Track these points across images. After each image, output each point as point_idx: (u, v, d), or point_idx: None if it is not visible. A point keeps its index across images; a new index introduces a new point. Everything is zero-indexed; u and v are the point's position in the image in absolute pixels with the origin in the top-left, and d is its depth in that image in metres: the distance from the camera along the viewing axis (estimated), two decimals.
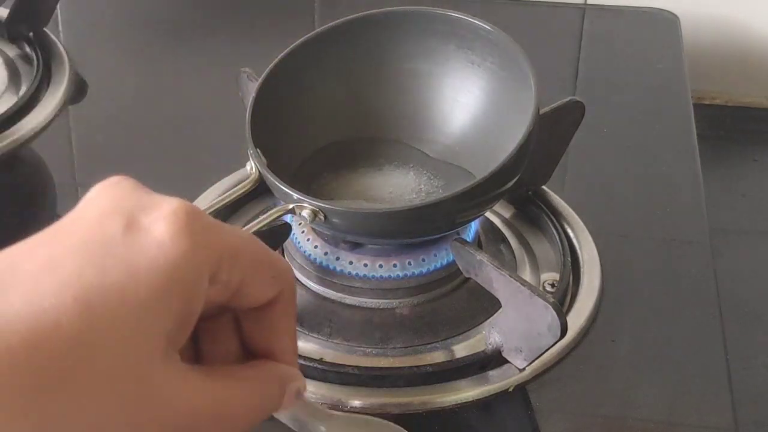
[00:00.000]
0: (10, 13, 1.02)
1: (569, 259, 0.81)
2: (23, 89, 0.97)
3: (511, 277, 0.69)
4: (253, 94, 0.77)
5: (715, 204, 0.91)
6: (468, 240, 0.76)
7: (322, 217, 0.71)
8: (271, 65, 0.79)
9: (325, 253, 0.76)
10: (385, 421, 0.56)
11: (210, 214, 0.77)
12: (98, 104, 1.01)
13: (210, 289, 0.46)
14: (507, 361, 0.72)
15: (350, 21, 0.81)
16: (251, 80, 0.83)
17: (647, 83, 1.06)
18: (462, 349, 0.75)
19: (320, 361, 0.73)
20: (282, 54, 0.79)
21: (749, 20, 1.17)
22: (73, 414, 0.42)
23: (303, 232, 0.78)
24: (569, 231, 0.84)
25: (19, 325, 0.41)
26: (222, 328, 0.50)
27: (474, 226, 0.79)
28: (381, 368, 0.72)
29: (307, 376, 0.70)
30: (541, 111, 0.75)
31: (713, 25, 1.17)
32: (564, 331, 0.67)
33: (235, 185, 0.78)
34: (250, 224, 0.72)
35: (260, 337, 0.51)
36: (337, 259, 0.76)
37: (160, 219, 0.45)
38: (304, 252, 0.77)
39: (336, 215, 0.71)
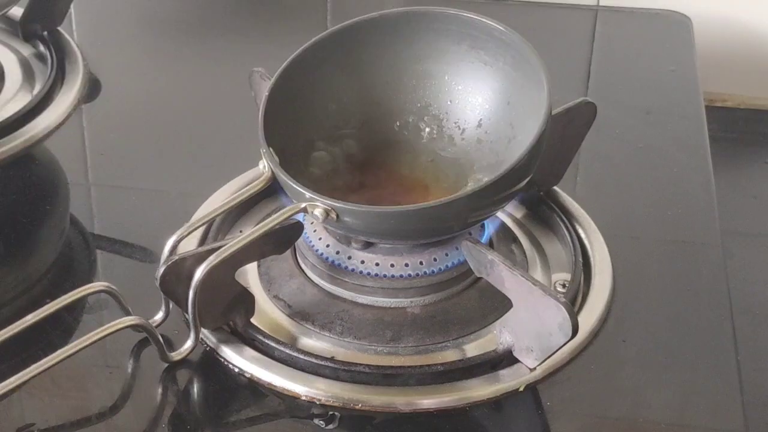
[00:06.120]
0: (24, 13, 1.02)
1: (580, 259, 0.81)
2: (37, 88, 0.98)
3: (522, 276, 0.70)
4: (266, 94, 0.77)
5: (726, 206, 0.91)
6: (480, 240, 0.76)
7: (334, 216, 0.71)
8: (284, 65, 0.79)
9: (337, 252, 0.77)
10: None
11: (222, 212, 0.78)
12: (111, 103, 1.02)
13: None
14: (518, 361, 0.72)
15: (363, 21, 0.81)
16: (264, 80, 0.83)
17: (659, 85, 1.06)
18: (473, 348, 0.75)
19: (332, 359, 0.73)
20: (294, 54, 0.79)
21: (761, 23, 1.17)
22: None
23: (315, 231, 0.78)
24: (581, 231, 0.84)
25: None
26: None
27: (487, 228, 0.79)
28: (392, 367, 0.73)
29: (318, 374, 0.72)
30: (553, 111, 0.75)
31: (725, 27, 1.17)
32: (575, 330, 0.68)
33: (248, 184, 0.78)
34: (263, 223, 0.73)
35: None
36: (349, 258, 0.76)
37: None
38: (316, 251, 0.77)
39: (348, 214, 0.71)
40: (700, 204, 0.90)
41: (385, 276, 0.76)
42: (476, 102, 0.82)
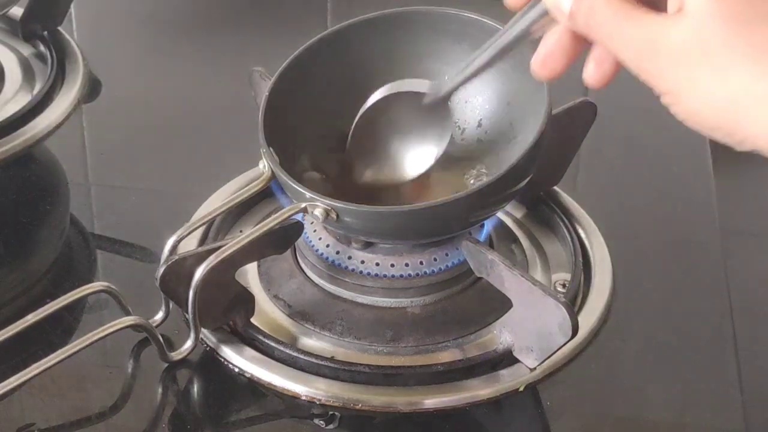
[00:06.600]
0: (24, 12, 1.02)
1: (580, 259, 0.81)
2: (37, 88, 0.98)
3: (522, 276, 0.70)
4: (266, 93, 0.77)
5: (726, 205, 0.91)
6: (480, 240, 0.76)
7: (334, 216, 0.71)
8: (284, 64, 0.79)
9: (337, 252, 0.77)
10: None
11: (222, 212, 0.78)
12: (111, 103, 1.02)
13: None
14: (518, 361, 0.72)
15: (363, 21, 0.81)
16: (264, 79, 0.83)
17: None
18: (473, 348, 0.75)
19: (332, 359, 0.73)
20: (295, 53, 0.79)
21: None
22: None
23: (315, 231, 0.78)
24: (581, 231, 0.84)
25: None
26: None
27: (487, 227, 0.79)
28: (392, 367, 0.73)
29: (318, 374, 0.72)
30: (554, 111, 0.75)
31: None
32: (575, 330, 0.68)
33: (248, 184, 0.78)
34: (263, 222, 0.73)
35: None
36: (349, 258, 0.76)
37: None
38: (316, 251, 0.77)
39: (348, 214, 0.71)
40: (700, 203, 0.90)
41: (385, 276, 0.76)
42: (476, 102, 0.82)
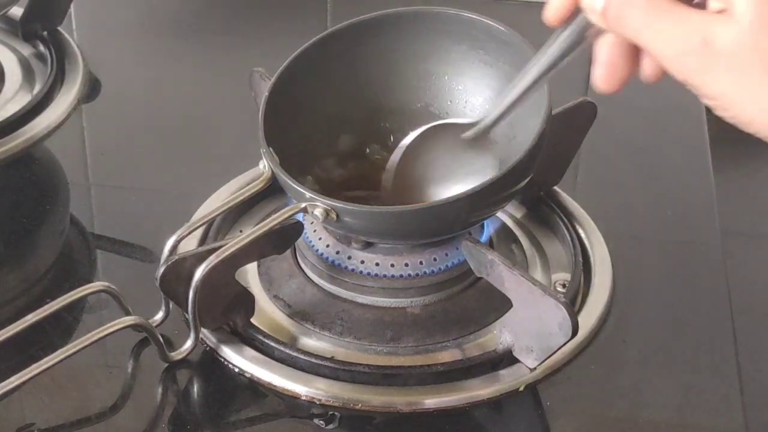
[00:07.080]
0: (24, 12, 1.03)
1: (580, 259, 0.81)
2: (37, 88, 0.98)
3: (522, 276, 0.70)
4: (266, 94, 0.77)
5: (726, 206, 0.91)
6: (480, 240, 0.76)
7: (334, 216, 0.71)
8: (284, 65, 0.79)
9: (337, 252, 0.77)
10: None
11: (222, 212, 0.78)
12: (111, 103, 1.02)
13: None
14: (518, 361, 0.72)
15: (363, 21, 0.81)
16: (264, 80, 0.83)
17: (659, 85, 1.05)
18: (473, 348, 0.75)
19: (331, 359, 0.73)
20: (295, 54, 0.79)
21: None
22: None
23: (315, 231, 0.78)
24: (581, 231, 0.84)
25: None
26: None
27: (487, 227, 0.79)
28: (392, 367, 0.73)
29: (318, 374, 0.72)
30: (554, 111, 0.75)
31: None
32: (575, 330, 0.68)
33: (248, 184, 0.78)
34: (263, 222, 0.73)
35: None
36: (349, 258, 0.76)
37: None
38: (316, 251, 0.77)
39: (348, 214, 0.71)
40: (700, 204, 0.90)
41: (385, 276, 0.76)
42: (476, 102, 0.82)
